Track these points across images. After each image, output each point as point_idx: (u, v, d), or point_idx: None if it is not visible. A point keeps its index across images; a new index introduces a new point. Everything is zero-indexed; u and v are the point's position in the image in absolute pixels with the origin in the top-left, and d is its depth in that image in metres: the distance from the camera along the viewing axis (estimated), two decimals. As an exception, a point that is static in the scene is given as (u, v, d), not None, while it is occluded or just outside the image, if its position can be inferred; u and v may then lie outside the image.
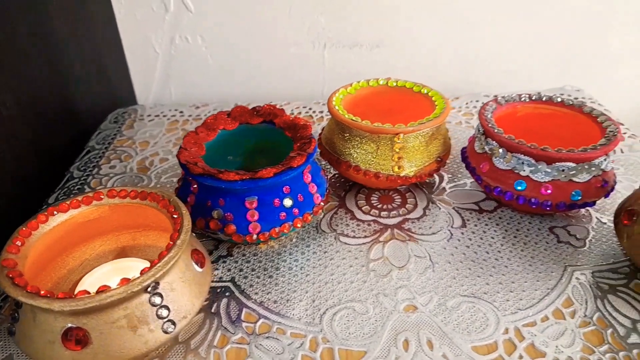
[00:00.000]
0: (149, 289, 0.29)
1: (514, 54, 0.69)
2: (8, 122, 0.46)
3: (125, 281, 0.28)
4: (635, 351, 0.33)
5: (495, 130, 0.42)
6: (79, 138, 0.59)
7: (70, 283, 0.37)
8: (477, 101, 0.65)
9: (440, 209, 0.47)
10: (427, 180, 0.50)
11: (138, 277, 0.29)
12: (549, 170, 0.40)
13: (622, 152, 0.54)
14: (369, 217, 0.46)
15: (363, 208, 0.47)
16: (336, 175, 0.52)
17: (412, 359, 0.33)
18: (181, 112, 0.65)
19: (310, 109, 0.66)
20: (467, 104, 0.65)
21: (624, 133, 0.57)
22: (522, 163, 0.41)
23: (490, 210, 0.46)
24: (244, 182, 0.36)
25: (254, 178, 0.36)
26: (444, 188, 0.50)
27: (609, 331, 0.35)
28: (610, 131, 0.41)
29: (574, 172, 0.40)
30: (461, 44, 0.69)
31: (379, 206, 0.47)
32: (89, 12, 0.62)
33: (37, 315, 0.28)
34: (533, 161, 0.40)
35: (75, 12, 0.59)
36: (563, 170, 0.40)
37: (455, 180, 0.51)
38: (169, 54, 0.72)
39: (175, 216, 0.33)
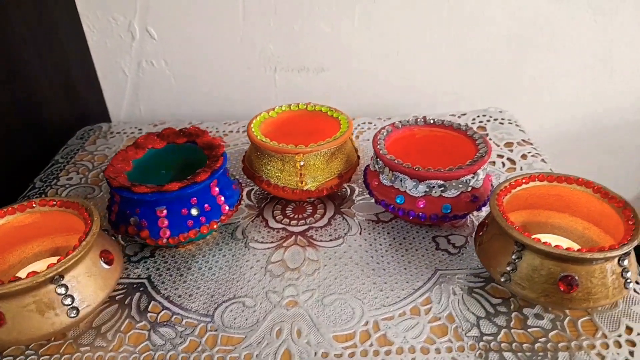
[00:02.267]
0: (54, 281, 0.37)
1: (444, 78, 0.75)
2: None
3: (32, 274, 0.35)
4: (469, 342, 0.39)
5: (381, 151, 0.48)
6: (49, 152, 0.67)
7: (10, 277, 0.44)
8: (407, 120, 0.71)
9: (343, 218, 0.53)
10: (338, 193, 0.57)
11: (43, 271, 0.36)
12: (422, 186, 0.46)
13: (521, 169, 0.59)
14: (279, 225, 0.53)
15: (277, 217, 0.54)
16: (259, 189, 0.59)
17: (280, 345, 0.39)
18: (140, 129, 0.73)
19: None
20: (395, 122, 0.71)
21: (529, 152, 0.62)
22: (401, 180, 0.47)
23: (386, 220, 0.53)
24: (153, 194, 0.43)
25: (161, 191, 0.43)
26: (353, 200, 0.56)
27: (454, 326, 0.40)
28: (480, 153, 0.47)
29: (442, 188, 0.46)
30: (396, 68, 0.75)
31: (291, 215, 0.54)
32: (63, 41, 0.70)
33: (-38, 299, 0.36)
34: (409, 179, 0.46)
35: (49, 41, 0.67)
36: (433, 187, 0.46)
37: (364, 194, 0.57)
38: (137, 77, 0.80)
39: (88, 222, 0.40)
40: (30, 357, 0.39)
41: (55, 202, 0.43)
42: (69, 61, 0.72)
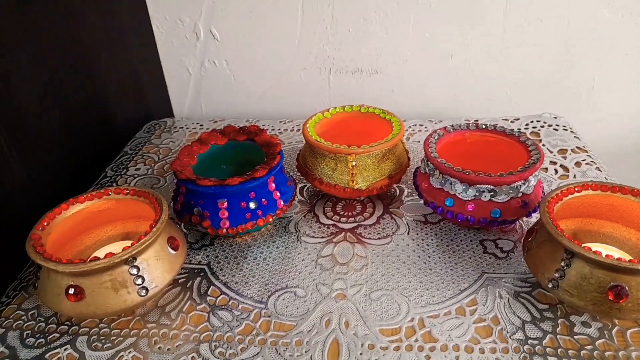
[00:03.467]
0: (128, 262, 0.40)
1: (497, 82, 0.75)
2: (56, 133, 0.60)
3: (109, 255, 0.39)
4: (514, 345, 0.40)
5: (432, 155, 0.50)
6: (119, 144, 0.73)
7: (86, 257, 0.48)
8: (458, 124, 0.72)
9: (392, 218, 0.55)
10: (388, 193, 0.59)
11: (119, 252, 0.40)
12: (471, 190, 0.47)
13: (574, 176, 0.59)
14: (329, 222, 0.55)
15: (327, 214, 0.56)
16: (312, 186, 0.61)
17: (329, 334, 0.42)
18: (201, 125, 0.77)
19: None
20: (447, 126, 0.72)
21: (583, 160, 0.61)
22: (451, 183, 0.48)
23: (434, 222, 0.54)
24: (215, 188, 0.47)
25: (223, 184, 0.47)
26: (402, 201, 0.58)
27: (498, 328, 0.41)
28: (532, 160, 0.48)
29: (492, 193, 0.47)
30: (449, 72, 0.76)
31: (341, 213, 0.56)
32: (133, 41, 0.76)
33: (50, 275, 0.40)
34: (459, 182, 0.48)
35: (121, 42, 0.72)
36: (483, 191, 0.47)
37: (413, 194, 0.58)
38: (200, 75, 0.84)
39: (158, 210, 0.44)
40: (103, 330, 0.43)
41: (128, 191, 0.47)
42: (139, 60, 0.77)
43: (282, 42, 0.78)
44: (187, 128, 0.77)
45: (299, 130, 0.75)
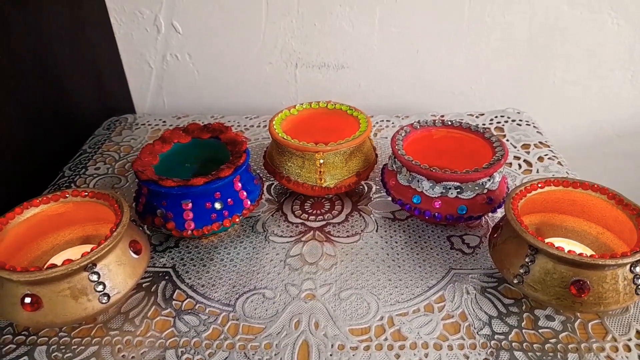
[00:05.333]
0: (87, 268, 0.39)
1: (462, 78, 0.76)
2: (9, 129, 0.56)
3: (67, 261, 0.38)
4: (481, 341, 0.40)
5: (399, 152, 0.50)
6: (78, 141, 0.70)
7: (43, 262, 0.46)
8: (420, 120, 0.72)
9: (360, 215, 0.55)
10: (356, 190, 0.58)
11: (78, 259, 0.38)
12: (438, 187, 0.47)
13: (537, 171, 0.60)
14: (298, 220, 0.54)
15: (296, 212, 0.56)
16: (279, 184, 0.60)
17: (299, 336, 0.41)
18: (164, 121, 0.75)
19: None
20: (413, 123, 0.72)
21: (545, 155, 0.63)
22: (418, 181, 0.48)
23: (402, 218, 0.54)
24: (179, 188, 0.45)
25: (187, 185, 0.45)
26: (370, 198, 0.57)
27: (466, 324, 0.42)
28: (497, 156, 0.48)
29: (458, 190, 0.47)
30: (415, 67, 0.76)
31: (310, 211, 0.56)
32: (91, 34, 0.72)
33: (4, 284, 0.38)
34: (426, 180, 0.48)
35: (78, 34, 0.69)
36: (449, 188, 0.47)
37: (381, 191, 0.58)
38: (162, 69, 0.81)
39: (118, 213, 0.43)
40: (63, 339, 0.41)
41: (87, 193, 0.45)
42: (97, 53, 0.74)
43: (247, 35, 0.77)
44: (150, 125, 0.74)
45: (265, 126, 0.74)
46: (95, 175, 0.62)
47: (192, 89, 0.83)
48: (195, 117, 0.76)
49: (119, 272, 0.41)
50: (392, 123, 0.73)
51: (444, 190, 0.47)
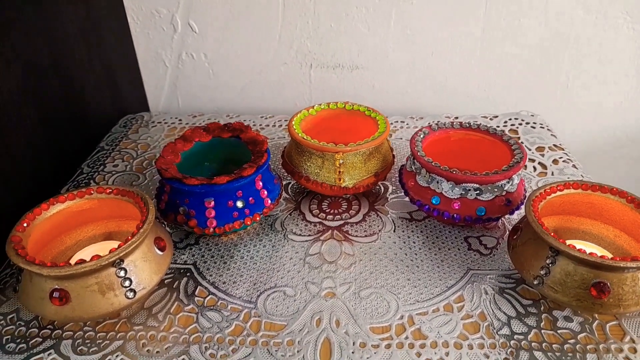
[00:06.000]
0: (115, 264, 0.39)
1: (477, 80, 0.77)
2: (29, 129, 0.57)
3: (96, 257, 0.38)
4: (501, 340, 0.41)
5: (419, 153, 0.50)
6: (94, 139, 0.70)
7: (67, 258, 0.47)
8: (439, 121, 0.73)
9: (377, 215, 0.55)
10: (373, 191, 0.59)
11: (106, 255, 0.38)
12: (457, 189, 0.48)
13: (552, 174, 0.61)
14: (316, 220, 0.55)
15: (313, 211, 0.56)
16: (297, 183, 0.61)
17: (320, 333, 0.42)
18: (180, 120, 0.75)
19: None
20: (429, 124, 0.73)
21: (560, 157, 0.63)
22: (437, 182, 0.49)
23: (419, 219, 0.55)
24: (203, 186, 0.46)
25: (210, 183, 0.46)
26: (386, 198, 0.58)
27: (485, 324, 0.42)
28: (516, 159, 0.49)
29: (478, 191, 0.47)
30: (429, 69, 0.77)
31: (327, 210, 0.56)
32: (108, 32, 0.73)
33: (32, 278, 0.39)
34: (445, 181, 0.48)
35: (95, 32, 0.70)
36: (469, 190, 0.48)
37: (398, 192, 0.59)
38: (177, 68, 0.82)
39: (143, 210, 0.43)
40: (87, 333, 0.42)
41: (112, 190, 0.46)
42: (113, 51, 0.75)
43: (263, 35, 0.77)
44: (166, 122, 0.75)
45: (281, 126, 0.74)
46: (113, 172, 0.63)
47: (206, 88, 0.84)
48: (210, 115, 0.77)
49: (144, 268, 0.41)
50: (407, 124, 0.73)
51: (463, 192, 0.48)
